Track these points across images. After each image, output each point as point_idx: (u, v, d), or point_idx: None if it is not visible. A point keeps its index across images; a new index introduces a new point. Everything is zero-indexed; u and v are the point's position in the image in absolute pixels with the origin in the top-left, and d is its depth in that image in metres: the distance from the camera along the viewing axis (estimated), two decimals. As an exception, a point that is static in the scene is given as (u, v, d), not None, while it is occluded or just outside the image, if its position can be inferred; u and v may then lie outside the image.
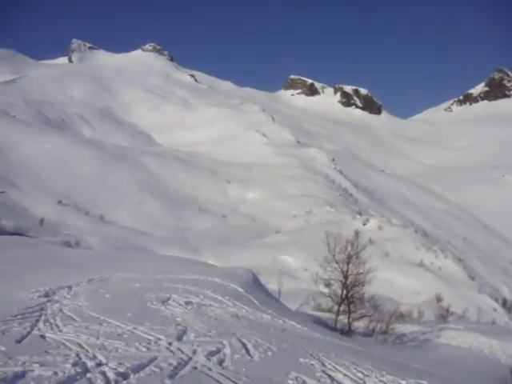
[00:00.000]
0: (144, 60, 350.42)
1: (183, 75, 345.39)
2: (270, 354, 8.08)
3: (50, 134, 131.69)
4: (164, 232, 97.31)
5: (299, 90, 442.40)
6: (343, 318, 22.71)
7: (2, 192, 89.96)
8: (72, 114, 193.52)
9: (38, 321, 8.45)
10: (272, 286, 29.55)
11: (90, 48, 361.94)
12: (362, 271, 22.74)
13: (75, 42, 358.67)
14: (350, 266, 22.78)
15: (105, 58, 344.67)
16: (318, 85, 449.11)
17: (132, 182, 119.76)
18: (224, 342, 8.28)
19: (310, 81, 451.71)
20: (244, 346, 8.30)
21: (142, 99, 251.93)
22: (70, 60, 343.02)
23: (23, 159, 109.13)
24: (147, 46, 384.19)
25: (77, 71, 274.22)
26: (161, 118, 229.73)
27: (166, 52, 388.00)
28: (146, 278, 14.83)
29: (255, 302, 13.74)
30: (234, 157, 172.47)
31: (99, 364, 6.20)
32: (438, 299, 57.14)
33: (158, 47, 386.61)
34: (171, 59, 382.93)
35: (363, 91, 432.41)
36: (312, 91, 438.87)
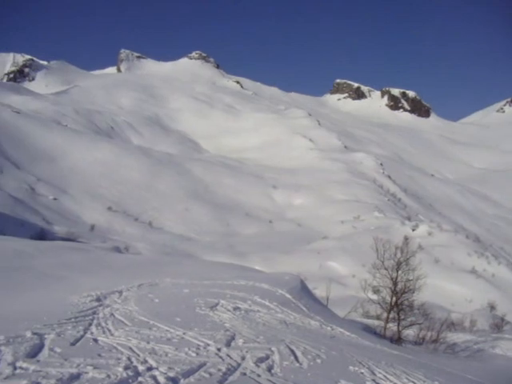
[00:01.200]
0: (190, 68, 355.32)
1: (229, 82, 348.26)
2: (318, 361, 7.99)
3: (99, 142, 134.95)
4: (211, 238, 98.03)
5: (345, 94, 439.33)
6: (392, 326, 22.26)
7: (55, 199, 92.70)
8: (121, 122, 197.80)
9: (90, 324, 8.63)
10: (319, 293, 29.32)
11: (137, 57, 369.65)
12: (411, 278, 22.26)
13: (123, 52, 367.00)
14: (400, 272, 22.32)
15: (152, 67, 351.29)
16: (364, 88, 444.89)
17: (179, 189, 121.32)
18: (272, 348, 8.25)
19: (356, 84, 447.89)
20: (292, 352, 8.23)
21: (188, 106, 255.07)
22: (119, 69, 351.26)
23: (74, 167, 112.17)
24: (193, 54, 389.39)
25: (125, 80, 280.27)
26: (207, 125, 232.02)
27: (211, 59, 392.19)
28: (194, 283, 14.94)
29: (303, 308, 13.64)
30: (280, 162, 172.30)
31: (150, 368, 6.28)
32: (492, 307, 55.25)
33: (203, 55, 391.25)
34: (217, 66, 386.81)
35: (411, 94, 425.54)
36: (358, 95, 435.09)
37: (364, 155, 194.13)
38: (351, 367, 8.01)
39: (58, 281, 15.09)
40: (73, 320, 8.84)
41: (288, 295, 14.43)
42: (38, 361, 6.09)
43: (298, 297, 14.77)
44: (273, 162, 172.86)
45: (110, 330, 8.29)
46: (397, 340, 20.76)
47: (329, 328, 11.78)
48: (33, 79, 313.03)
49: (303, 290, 16.91)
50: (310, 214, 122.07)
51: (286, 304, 13.27)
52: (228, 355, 7.44)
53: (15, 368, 5.74)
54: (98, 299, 11.47)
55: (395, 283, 22.46)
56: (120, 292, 12.79)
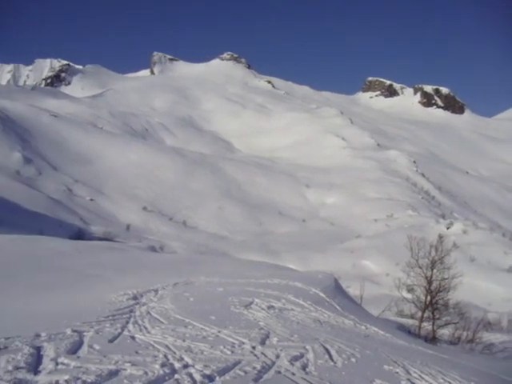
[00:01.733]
0: (222, 69, 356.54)
1: (261, 82, 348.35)
2: (353, 360, 7.94)
3: (134, 144, 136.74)
4: (244, 236, 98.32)
5: (378, 92, 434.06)
6: (427, 325, 21.97)
7: (92, 200, 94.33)
8: (155, 123, 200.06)
9: (127, 322, 8.77)
10: (352, 291, 29.11)
11: (170, 60, 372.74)
12: (446, 277, 21.96)
13: (156, 55, 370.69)
14: (434, 271, 22.05)
15: (185, 69, 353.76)
16: (396, 86, 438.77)
17: (213, 188, 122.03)
18: (307, 347, 8.23)
19: (388, 82, 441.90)
20: (327, 351, 8.20)
21: (221, 107, 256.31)
22: (152, 72, 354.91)
23: (110, 168, 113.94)
24: (225, 55, 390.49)
25: (158, 82, 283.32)
26: (240, 125, 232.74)
27: (243, 60, 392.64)
28: (229, 282, 15.01)
29: (337, 307, 13.56)
30: (313, 161, 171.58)
31: (186, 366, 6.34)
32: (530, 306, 53.88)
33: (235, 55, 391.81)
34: (248, 66, 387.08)
35: (444, 90, 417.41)
36: (391, 92, 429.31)
37: (397, 153, 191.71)
38: (386, 366, 7.94)
39: (96, 280, 15.36)
40: (111, 318, 9.00)
41: (322, 294, 14.37)
42: (79, 357, 6.23)
43: (331, 295, 14.70)
44: (305, 161, 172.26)
45: (146, 328, 8.41)
46: (432, 339, 20.46)
47: (363, 327, 11.69)
48: (69, 83, 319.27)
49: (337, 289, 16.82)
50: (343, 212, 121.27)
51: (320, 303, 13.22)
52: (263, 353, 7.46)
53: (57, 364, 5.91)
54: (135, 297, 11.64)
55: (430, 282, 22.16)
56: (156, 290, 12.95)
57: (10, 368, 5.58)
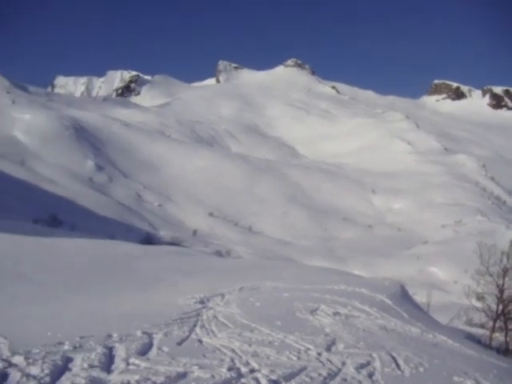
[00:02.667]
0: (286, 75, 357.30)
1: (325, 87, 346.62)
2: (421, 369, 7.69)
3: (201, 151, 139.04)
4: (309, 242, 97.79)
5: (444, 95, 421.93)
6: (499, 336, 20.98)
7: (160, 205, 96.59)
8: (221, 131, 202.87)
9: (195, 326, 8.89)
10: (419, 299, 28.30)
11: (235, 68, 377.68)
12: (520, 285, 20.94)
13: (221, 64, 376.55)
14: (507, 279, 21.07)
15: (249, 76, 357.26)
16: (464, 88, 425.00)
17: (278, 194, 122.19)
18: (373, 354, 8.06)
19: (455, 84, 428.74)
20: (394, 359, 7.99)
21: (285, 113, 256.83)
22: (218, 80, 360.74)
23: (177, 175, 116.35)
24: (289, 62, 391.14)
25: (224, 90, 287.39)
26: (304, 131, 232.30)
27: (307, 66, 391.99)
28: (294, 287, 14.94)
29: (404, 314, 13.21)
30: (379, 166, 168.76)
31: (252, 370, 6.36)
32: None
33: (299, 62, 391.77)
34: (312, 73, 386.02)
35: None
36: (458, 95, 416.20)
37: (465, 157, 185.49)
38: (456, 378, 7.63)
39: (165, 283, 15.68)
40: (178, 321, 9.16)
41: (388, 301, 14.04)
42: (148, 359, 6.39)
43: (398, 303, 14.34)
44: (371, 166, 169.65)
45: (213, 332, 8.49)
46: (504, 351, 19.49)
47: (430, 335, 11.31)
48: (138, 93, 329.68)
49: (403, 296, 16.40)
50: (409, 218, 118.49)
51: (386, 310, 12.92)
52: (328, 360, 7.37)
53: (128, 364, 6.09)
54: (202, 301, 11.78)
55: (502, 290, 21.15)
56: (222, 295, 13.06)
57: (85, 366, 5.83)
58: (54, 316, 9.46)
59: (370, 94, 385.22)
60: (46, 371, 5.46)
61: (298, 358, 7.25)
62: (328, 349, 8.08)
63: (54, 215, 47.96)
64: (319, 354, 7.64)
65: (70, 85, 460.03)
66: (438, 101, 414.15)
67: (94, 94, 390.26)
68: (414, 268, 79.60)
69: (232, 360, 6.72)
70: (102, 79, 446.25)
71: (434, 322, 16.02)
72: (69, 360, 6.01)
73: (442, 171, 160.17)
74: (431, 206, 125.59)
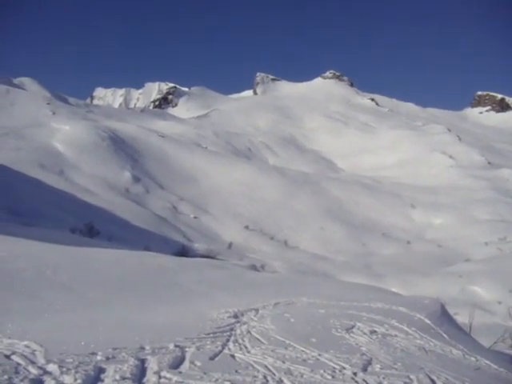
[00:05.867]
0: (324, 87, 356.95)
1: (363, 99, 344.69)
2: (462, 393, 7.50)
3: (237, 163, 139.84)
4: (346, 257, 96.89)
5: (488, 107, 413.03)
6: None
7: (195, 217, 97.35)
8: (258, 143, 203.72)
9: (228, 340, 8.87)
10: (461, 319, 27.65)
11: (272, 80, 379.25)
12: None
13: (259, 75, 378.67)
14: (555, 300, 20.41)
15: (287, 88, 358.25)
16: (509, 100, 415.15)
17: (314, 207, 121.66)
18: (411, 376, 7.87)
19: (499, 96, 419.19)
20: (433, 382, 7.78)
21: (323, 126, 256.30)
22: (255, 92, 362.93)
23: (214, 187, 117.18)
24: (327, 74, 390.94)
25: (261, 102, 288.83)
26: (342, 144, 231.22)
27: (345, 78, 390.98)
28: (330, 304, 14.78)
29: (444, 335, 12.88)
30: (419, 180, 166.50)
31: (285, 388, 6.31)
32: None
33: (337, 74, 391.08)
34: (351, 84, 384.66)
35: None
36: (502, 107, 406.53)
37: (510, 171, 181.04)
38: (500, 403, 7.41)
39: (198, 296, 15.73)
40: (211, 335, 9.15)
41: (427, 320, 13.74)
42: (180, 372, 6.40)
43: (438, 322, 14.00)
44: (411, 180, 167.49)
45: (246, 347, 8.46)
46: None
47: (473, 358, 10.98)
48: (176, 105, 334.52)
49: (444, 316, 16.01)
50: (450, 234, 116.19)
51: (425, 330, 12.64)
52: (364, 380, 7.24)
53: (160, 377, 6.12)
54: (236, 316, 11.76)
55: (550, 312, 20.55)
56: (256, 310, 13.01)
57: (117, 377, 5.89)
58: (88, 326, 9.59)
59: (410, 107, 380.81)
60: (79, 381, 5.56)
61: (333, 377, 7.14)
62: (364, 369, 7.94)
63: (90, 225, 48.79)
64: (355, 374, 7.51)
65: (108, 96, 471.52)
66: (481, 113, 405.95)
67: (131, 105, 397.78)
68: (456, 287, 77.84)
69: (265, 377, 6.67)
70: (139, 91, 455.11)
71: (477, 344, 15.60)
72: (101, 371, 6.10)
73: (485, 186, 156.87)
74: (473, 222, 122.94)
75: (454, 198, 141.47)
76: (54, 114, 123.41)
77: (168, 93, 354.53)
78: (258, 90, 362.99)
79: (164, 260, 24.54)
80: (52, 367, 5.94)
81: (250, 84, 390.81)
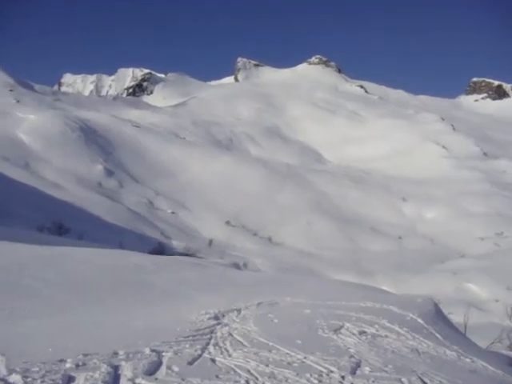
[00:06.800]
0: (310, 73, 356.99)
1: (352, 86, 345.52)
2: (456, 397, 7.55)
3: (218, 155, 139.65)
4: (334, 254, 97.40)
5: (484, 94, 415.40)
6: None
7: (173, 213, 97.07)
8: (239, 133, 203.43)
9: (208, 344, 8.84)
10: (455, 318, 27.90)
11: (255, 65, 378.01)
12: None
13: (240, 61, 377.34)
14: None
15: (270, 75, 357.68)
16: (507, 86, 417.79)
17: (300, 201, 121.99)
18: (403, 379, 7.90)
19: (496, 82, 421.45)
20: (426, 385, 7.85)
21: (309, 115, 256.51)
22: (236, 79, 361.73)
23: (192, 180, 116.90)
24: (313, 59, 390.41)
25: (243, 90, 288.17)
26: (329, 134, 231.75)
27: (332, 63, 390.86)
28: (316, 303, 14.82)
29: (437, 335, 12.98)
30: (410, 172, 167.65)
31: (269, 393, 6.30)
32: None
33: (324, 59, 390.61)
34: (339, 71, 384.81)
35: None
36: (499, 94, 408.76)
37: (507, 163, 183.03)
38: (496, 407, 7.48)
39: (177, 297, 15.69)
40: (190, 338, 9.12)
41: (420, 320, 13.84)
42: (156, 378, 6.35)
43: (431, 322, 14.11)
44: (402, 172, 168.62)
45: (227, 351, 8.43)
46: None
47: (468, 360, 11.07)
48: (151, 92, 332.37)
49: (437, 315, 16.15)
50: (444, 229, 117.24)
51: (418, 330, 12.72)
52: (353, 384, 7.27)
53: (134, 384, 6.06)
54: (216, 317, 11.74)
55: (550, 310, 20.85)
56: (238, 310, 13.01)
57: (88, 386, 5.80)
58: (56, 332, 9.50)
59: (400, 94, 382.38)
60: (46, 391, 5.46)
61: (320, 381, 7.15)
62: (352, 372, 7.96)
63: (59, 222, 48.40)
64: (343, 378, 7.52)
65: (78, 83, 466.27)
66: (476, 100, 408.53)
67: (103, 93, 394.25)
68: (450, 284, 78.66)
69: (247, 382, 6.66)
70: (112, 77, 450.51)
71: (473, 345, 15.75)
72: (70, 379, 6.01)
73: (480, 178, 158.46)
74: (468, 216, 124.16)
75: (447, 191, 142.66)
76: (17, 102, 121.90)
77: (143, 79, 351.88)
78: (240, 77, 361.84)
79: (139, 259, 24.43)
80: (15, 378, 5.81)
81: (231, 70, 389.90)
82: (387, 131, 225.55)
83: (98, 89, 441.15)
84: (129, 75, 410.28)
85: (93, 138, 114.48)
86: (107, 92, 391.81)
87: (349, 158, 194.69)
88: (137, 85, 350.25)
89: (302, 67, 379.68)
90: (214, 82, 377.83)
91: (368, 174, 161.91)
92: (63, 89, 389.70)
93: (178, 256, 40.02)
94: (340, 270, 79.75)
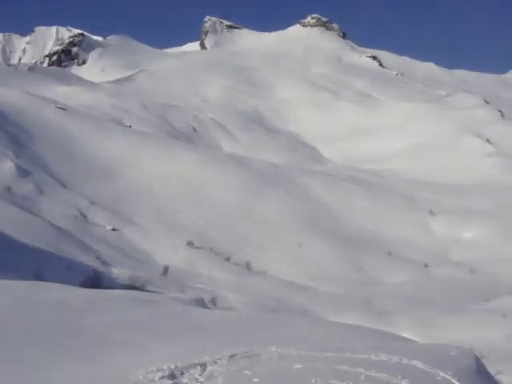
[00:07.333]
0: (305, 39, 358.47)
1: (361, 58, 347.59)
2: None
3: (176, 150, 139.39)
4: (335, 287, 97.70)
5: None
6: None
7: (114, 229, 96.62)
8: (206, 120, 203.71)
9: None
10: (506, 379, 28.14)
11: (228, 27, 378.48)
12: None
13: (209, 21, 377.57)
14: None
15: (250, 40, 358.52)
16: None
17: (289, 215, 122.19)
18: None
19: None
20: None
21: (302, 96, 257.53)
22: (203, 46, 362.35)
23: (142, 185, 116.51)
24: (308, 20, 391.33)
25: (212, 61, 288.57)
26: (330, 123, 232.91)
27: (335, 25, 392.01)
28: (311, 355, 14.83)
29: (480, 404, 13.11)
30: (441, 175, 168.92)
31: None
32: None
33: (323, 20, 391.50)
34: (343, 36, 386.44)
35: None
36: None
37: None
38: None
39: (117, 347, 15.59)
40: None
41: (455, 381, 13.92)
42: None
43: None
44: (428, 174, 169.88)
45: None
46: None
47: None
48: (83, 62, 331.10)
49: (480, 375, 16.24)
50: (488, 253, 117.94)
51: (453, 395, 12.80)
52: None
53: None
54: (172, 376, 11.69)
55: None
56: (203, 366, 12.96)
57: None
58: None
59: (429, 68, 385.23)
60: None
61: None
62: None
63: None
64: None
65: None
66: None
67: (14, 60, 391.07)
68: (498, 331, 78.90)
69: None
70: (26, 38, 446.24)
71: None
72: None
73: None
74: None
75: (492, 202, 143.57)
76: None
77: (72, 43, 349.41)
78: (208, 43, 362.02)
79: (65, 294, 24.30)
80: None
81: (196, 33, 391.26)
82: (409, 119, 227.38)
83: (6, 55, 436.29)
84: (51, 37, 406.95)
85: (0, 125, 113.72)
86: (20, 59, 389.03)
87: (356, 156, 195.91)
88: (63, 50, 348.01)
89: (293, 30, 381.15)
90: (171, 50, 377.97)
91: (382, 178, 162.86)
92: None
93: (121, 290, 39.92)
94: (344, 310, 79.96)
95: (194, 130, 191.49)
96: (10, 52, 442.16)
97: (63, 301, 21.72)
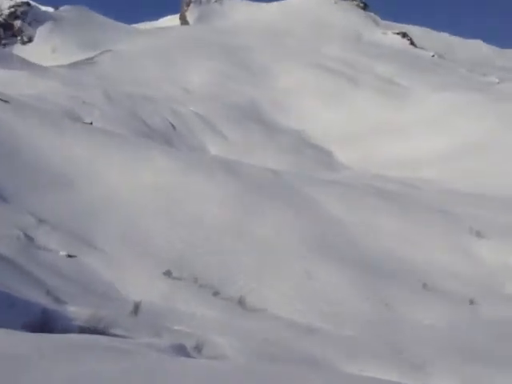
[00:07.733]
0: (314, 12, 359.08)
1: (387, 35, 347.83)
2: None
3: (150, 153, 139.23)
4: (354, 329, 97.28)
5: None
6: None
7: (70, 256, 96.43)
8: (187, 115, 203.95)
9: None
10: None
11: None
12: None
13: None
14: None
15: (241, 13, 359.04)
16: None
17: (293, 235, 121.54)
18: None
19: None
20: None
21: (311, 85, 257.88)
22: (184, 20, 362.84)
23: (106, 197, 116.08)
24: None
25: (196, 39, 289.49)
26: (346, 118, 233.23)
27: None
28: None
29: None
30: (489, 185, 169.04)
31: None
32: None
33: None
34: (364, 6, 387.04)
35: None
36: None
37: None
38: None
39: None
40: None
41: None
42: None
43: None
44: (473, 184, 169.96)
45: None
46: None
47: None
48: (29, 40, 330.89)
49: None
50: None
51: None
52: None
53: None
54: None
55: None
56: None
57: None
58: None
59: (475, 47, 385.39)
60: None
61: None
62: None
63: None
64: None
65: None
66: None
67: None
68: None
69: None
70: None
71: None
72: None
73: None
74: None
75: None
76: None
77: (14, 15, 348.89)
78: (190, 16, 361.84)
79: (8, 341, 24.10)
80: None
81: (175, 5, 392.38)
82: (448, 114, 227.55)
83: None
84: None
85: None
86: None
87: (380, 161, 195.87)
88: (2, 24, 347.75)
89: (300, 0, 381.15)
90: (143, 25, 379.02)
91: (414, 189, 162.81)
92: None
93: (78, 334, 39.72)
94: (364, 359, 79.56)
95: (173, 127, 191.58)
96: None
97: (4, 351, 21.54)
